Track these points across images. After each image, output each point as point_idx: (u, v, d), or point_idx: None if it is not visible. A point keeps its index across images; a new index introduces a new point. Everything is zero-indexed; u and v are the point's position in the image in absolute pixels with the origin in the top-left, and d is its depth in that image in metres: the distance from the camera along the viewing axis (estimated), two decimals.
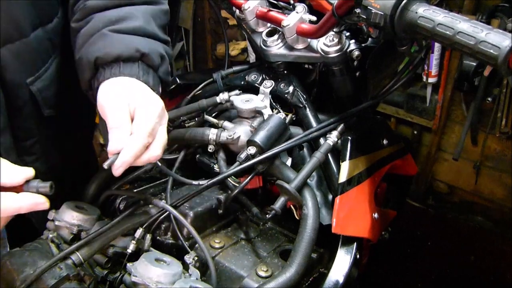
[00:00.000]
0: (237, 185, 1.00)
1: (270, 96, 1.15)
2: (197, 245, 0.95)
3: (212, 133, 1.06)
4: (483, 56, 0.72)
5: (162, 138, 0.85)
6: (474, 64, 2.03)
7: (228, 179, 1.01)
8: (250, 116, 1.11)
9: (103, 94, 0.86)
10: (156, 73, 0.93)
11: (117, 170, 0.79)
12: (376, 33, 0.88)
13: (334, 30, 0.99)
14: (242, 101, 1.10)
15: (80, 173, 1.17)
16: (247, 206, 1.04)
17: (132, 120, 0.83)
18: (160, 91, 0.94)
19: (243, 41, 2.95)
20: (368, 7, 0.83)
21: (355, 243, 0.98)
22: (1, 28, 0.91)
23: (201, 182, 0.98)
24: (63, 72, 1.09)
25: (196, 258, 0.93)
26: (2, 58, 0.94)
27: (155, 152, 0.83)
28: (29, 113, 1.03)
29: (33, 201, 0.74)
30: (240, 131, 1.07)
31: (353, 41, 1.04)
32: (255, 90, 1.17)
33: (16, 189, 0.74)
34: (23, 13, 0.96)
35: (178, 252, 0.98)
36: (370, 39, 1.03)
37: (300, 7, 1.07)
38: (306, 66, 1.18)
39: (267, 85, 1.16)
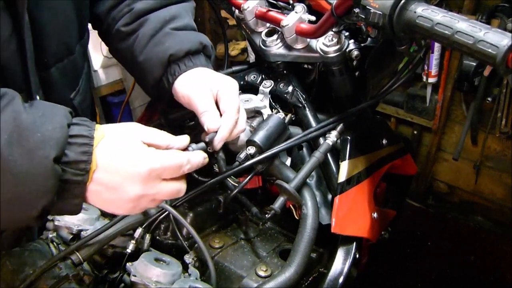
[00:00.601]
0: (237, 185, 1.00)
1: (269, 96, 1.15)
2: (196, 245, 0.95)
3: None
4: (482, 55, 0.72)
5: (244, 113, 0.95)
6: (474, 64, 2.03)
7: (228, 179, 1.01)
8: (250, 116, 1.11)
9: (185, 85, 0.95)
10: (211, 61, 1.05)
11: (218, 145, 0.89)
12: (375, 32, 0.88)
13: (333, 30, 0.99)
14: (241, 101, 1.10)
15: None
16: (246, 206, 1.04)
17: (216, 102, 0.92)
18: None
19: (243, 41, 2.95)
20: (367, 7, 0.83)
21: (354, 243, 0.98)
22: (55, 50, 0.95)
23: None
24: (88, 81, 1.17)
25: (195, 258, 0.93)
26: (52, 77, 0.97)
27: (242, 126, 0.93)
28: None
29: (203, 155, 0.81)
30: None
31: (352, 41, 1.04)
32: (254, 90, 1.17)
33: None
34: (74, 32, 1.01)
35: (177, 252, 0.98)
36: (369, 39, 1.03)
37: (299, 7, 1.07)
38: (306, 66, 1.18)
39: (267, 85, 1.16)
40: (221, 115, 0.90)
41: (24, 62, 0.86)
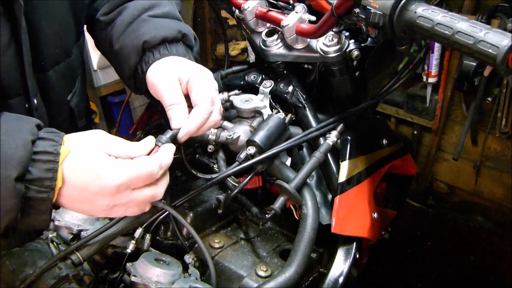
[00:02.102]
0: (237, 185, 1.00)
1: (269, 96, 1.15)
2: (196, 245, 0.95)
3: (211, 133, 1.06)
4: (482, 55, 0.71)
5: (218, 103, 0.88)
6: (474, 64, 2.02)
7: (228, 179, 1.01)
8: (250, 116, 1.11)
9: (155, 74, 0.89)
10: (192, 53, 1.00)
11: (182, 139, 0.82)
12: (375, 33, 0.88)
13: (334, 30, 0.99)
14: (241, 101, 1.10)
15: None
16: (246, 206, 1.04)
17: (186, 93, 0.86)
18: None
19: (243, 41, 2.95)
20: (367, 7, 0.83)
21: (354, 243, 0.98)
22: (52, 53, 0.95)
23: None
24: (84, 82, 1.16)
25: (195, 258, 0.93)
26: (49, 80, 0.97)
27: (215, 117, 0.86)
28: (67, 128, 1.06)
29: (173, 149, 0.78)
30: (239, 131, 1.07)
31: (352, 41, 1.04)
32: (254, 90, 1.17)
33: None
34: (71, 35, 1.01)
35: (177, 252, 0.98)
36: (369, 39, 1.03)
37: (300, 7, 1.07)
38: (306, 66, 1.18)
39: (267, 85, 1.16)
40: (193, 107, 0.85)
41: (21, 66, 0.86)
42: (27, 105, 0.91)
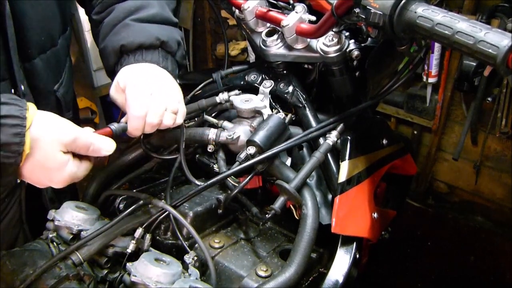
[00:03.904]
0: (237, 185, 1.00)
1: (269, 96, 1.15)
2: (196, 245, 0.95)
3: (211, 133, 1.06)
4: (482, 55, 0.72)
5: (155, 107, 0.91)
6: (474, 64, 2.02)
7: (228, 179, 1.01)
8: (250, 116, 1.11)
9: (124, 76, 0.95)
10: (174, 58, 1.04)
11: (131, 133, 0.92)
12: (375, 33, 0.88)
13: (334, 30, 0.99)
14: (241, 101, 1.10)
15: None
16: (246, 206, 1.04)
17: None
18: (177, 73, 1.05)
19: (243, 41, 2.95)
20: (367, 7, 0.83)
21: (354, 243, 0.98)
22: (38, 40, 0.97)
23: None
24: (71, 75, 1.19)
25: (195, 258, 0.93)
26: (36, 68, 0.99)
27: (150, 120, 0.91)
28: None
29: (110, 143, 0.85)
30: (239, 131, 1.07)
31: (352, 41, 1.04)
32: (254, 90, 1.17)
33: None
34: (56, 24, 1.03)
35: (177, 252, 0.98)
36: (369, 39, 1.03)
37: (300, 7, 1.07)
38: (306, 66, 1.18)
39: (267, 85, 1.16)
40: None
41: (7, 52, 0.87)
42: (13, 91, 0.93)
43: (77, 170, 0.81)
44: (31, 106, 0.74)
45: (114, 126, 0.88)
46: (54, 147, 0.75)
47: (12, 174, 0.70)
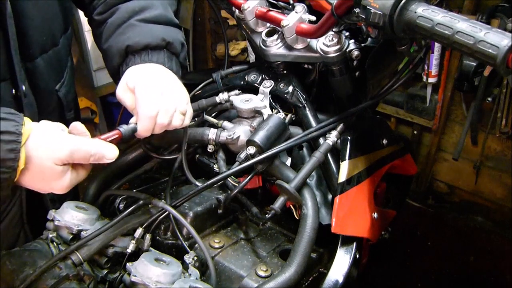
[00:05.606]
0: (237, 185, 1.00)
1: (269, 96, 1.15)
2: (196, 245, 0.96)
3: (211, 133, 1.06)
4: (482, 55, 0.71)
5: (165, 107, 0.90)
6: (474, 64, 2.02)
7: (228, 179, 1.01)
8: (250, 116, 1.11)
9: (132, 76, 0.94)
10: (178, 59, 1.04)
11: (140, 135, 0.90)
12: (375, 33, 0.88)
13: (334, 30, 0.99)
14: (241, 101, 1.10)
15: None
16: (246, 206, 1.04)
17: None
18: (181, 74, 1.05)
19: (243, 41, 2.95)
20: (367, 7, 0.83)
21: (354, 243, 0.98)
22: (39, 40, 0.97)
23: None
24: (72, 75, 1.19)
25: (195, 258, 0.93)
26: (37, 68, 0.99)
27: (160, 120, 0.90)
28: (56, 118, 1.07)
29: (113, 149, 0.83)
30: (239, 131, 1.07)
31: (352, 41, 1.04)
32: (254, 90, 1.17)
33: None
34: (58, 23, 1.03)
35: (177, 252, 0.98)
36: (369, 39, 1.03)
37: (300, 7, 1.07)
38: (306, 66, 1.18)
39: (267, 85, 1.16)
40: None
41: (8, 52, 0.87)
42: (14, 91, 0.93)
43: (77, 175, 0.81)
44: (27, 121, 0.73)
45: (123, 128, 0.87)
46: (50, 162, 0.74)
47: (8, 189, 0.70)
